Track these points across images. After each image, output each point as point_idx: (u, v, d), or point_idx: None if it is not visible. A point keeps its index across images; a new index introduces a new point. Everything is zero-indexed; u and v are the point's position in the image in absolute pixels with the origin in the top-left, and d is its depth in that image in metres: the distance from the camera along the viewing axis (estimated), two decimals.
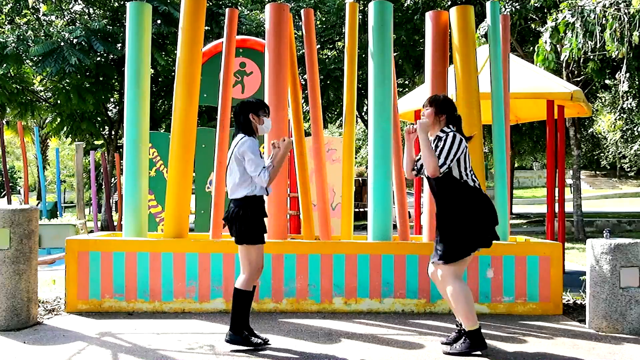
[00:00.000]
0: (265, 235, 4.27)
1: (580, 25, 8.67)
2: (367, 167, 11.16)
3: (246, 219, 4.11)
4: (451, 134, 4.09)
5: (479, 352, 4.04)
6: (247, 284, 4.17)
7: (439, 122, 4.18)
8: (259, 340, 4.19)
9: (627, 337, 4.60)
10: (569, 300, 5.86)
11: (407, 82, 20.42)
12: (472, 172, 4.16)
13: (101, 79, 17.49)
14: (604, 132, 20.60)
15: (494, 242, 4.44)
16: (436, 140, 4.16)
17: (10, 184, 22.25)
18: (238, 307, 4.14)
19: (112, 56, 17.08)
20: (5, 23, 17.48)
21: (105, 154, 17.61)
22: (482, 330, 4.13)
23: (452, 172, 4.07)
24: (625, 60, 9.79)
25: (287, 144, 4.25)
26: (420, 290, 5.39)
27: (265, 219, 4.28)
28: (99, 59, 16.71)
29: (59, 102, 17.30)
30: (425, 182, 5.92)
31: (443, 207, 4.14)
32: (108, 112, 20.12)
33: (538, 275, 5.38)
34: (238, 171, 4.15)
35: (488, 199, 4.18)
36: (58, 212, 14.46)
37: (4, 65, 15.47)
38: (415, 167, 4.36)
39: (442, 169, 4.02)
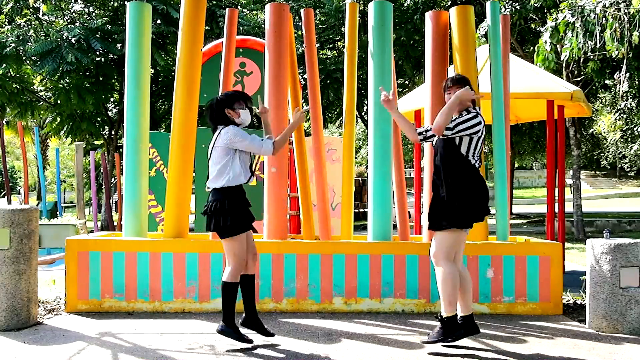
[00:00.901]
0: (249, 222, 4.23)
1: (580, 25, 8.67)
2: (367, 167, 11.16)
3: (224, 212, 4.10)
4: (474, 112, 4.19)
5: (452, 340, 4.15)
6: (234, 276, 4.20)
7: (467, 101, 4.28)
8: (249, 337, 4.23)
9: (627, 337, 4.60)
10: (569, 300, 5.86)
11: (407, 82, 20.41)
12: (479, 157, 4.24)
13: (101, 78, 17.49)
14: (604, 132, 20.59)
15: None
16: (461, 114, 4.23)
17: (10, 184, 22.25)
18: (227, 299, 4.19)
19: (111, 56, 17.08)
20: (5, 23, 17.47)
21: (105, 154, 17.61)
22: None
23: (460, 147, 4.16)
24: (625, 60, 9.80)
25: (300, 114, 4.34)
26: (420, 290, 5.39)
27: (247, 208, 4.24)
28: (98, 58, 16.70)
29: (58, 102, 17.30)
30: (427, 177, 5.93)
31: (442, 174, 4.20)
32: (108, 112, 20.12)
33: (538, 275, 5.38)
34: (218, 159, 4.17)
35: (484, 182, 4.26)
36: (58, 212, 14.46)
37: (4, 65, 15.46)
38: (422, 134, 4.38)
39: (447, 132, 4.11)
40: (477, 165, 4.23)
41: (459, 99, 4.15)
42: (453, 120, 4.16)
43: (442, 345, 4.23)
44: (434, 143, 4.39)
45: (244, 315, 4.32)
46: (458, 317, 4.23)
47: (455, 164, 4.17)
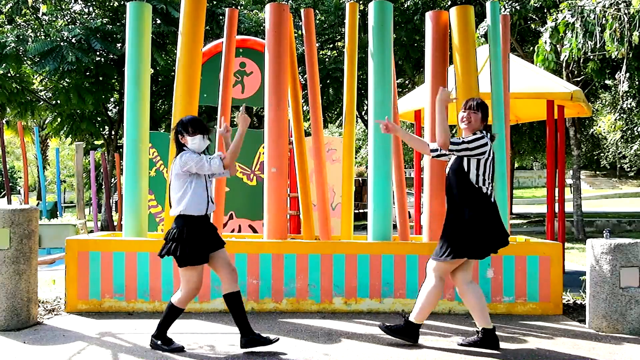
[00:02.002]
0: (210, 251, 4.09)
1: (580, 26, 8.67)
2: (367, 167, 11.16)
3: (182, 241, 3.98)
4: (481, 134, 4.18)
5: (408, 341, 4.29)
6: (183, 302, 4.12)
7: (479, 126, 4.26)
8: (180, 345, 4.15)
9: (627, 337, 4.60)
10: (569, 300, 5.86)
11: (407, 82, 20.41)
12: (490, 182, 4.18)
13: (101, 78, 17.48)
14: (604, 132, 20.60)
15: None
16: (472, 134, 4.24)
17: (10, 184, 22.25)
18: (167, 319, 4.13)
19: (111, 56, 17.08)
20: (5, 23, 17.47)
21: (105, 154, 17.61)
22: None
23: (469, 174, 4.12)
24: (625, 60, 9.80)
25: (243, 118, 4.13)
26: None
27: (211, 235, 4.12)
28: (98, 58, 16.71)
29: (58, 102, 17.30)
30: (427, 177, 5.93)
31: (451, 206, 4.21)
32: (108, 112, 20.12)
33: (538, 275, 5.38)
34: (177, 187, 4.06)
35: (495, 212, 4.19)
36: (58, 212, 14.46)
37: (4, 65, 15.46)
38: (436, 150, 4.36)
39: (452, 147, 4.10)
40: (489, 191, 4.17)
41: (441, 102, 4.19)
42: (461, 138, 4.17)
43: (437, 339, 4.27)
44: (446, 167, 4.35)
45: (241, 337, 4.11)
46: (480, 329, 4.23)
47: (464, 195, 4.13)
